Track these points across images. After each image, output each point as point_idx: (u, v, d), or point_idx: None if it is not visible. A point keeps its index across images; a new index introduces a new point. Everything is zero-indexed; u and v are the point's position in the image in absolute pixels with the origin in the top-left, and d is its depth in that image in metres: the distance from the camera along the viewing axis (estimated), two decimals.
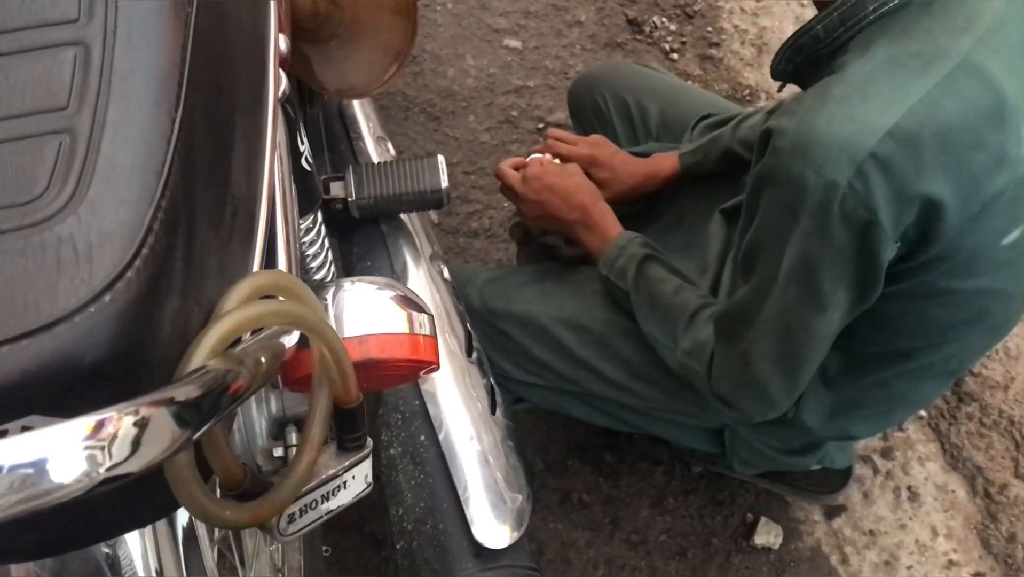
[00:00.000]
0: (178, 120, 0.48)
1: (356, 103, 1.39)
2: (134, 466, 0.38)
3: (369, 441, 0.61)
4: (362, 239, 1.18)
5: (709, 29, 2.23)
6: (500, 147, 2.01)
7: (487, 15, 2.22)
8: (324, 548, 1.27)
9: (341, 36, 1.25)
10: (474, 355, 1.08)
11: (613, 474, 1.61)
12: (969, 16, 0.86)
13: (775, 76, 1.02)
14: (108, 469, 0.37)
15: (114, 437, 0.37)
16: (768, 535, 1.57)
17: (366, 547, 1.49)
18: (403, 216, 1.22)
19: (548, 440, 1.63)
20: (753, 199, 0.93)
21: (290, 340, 0.56)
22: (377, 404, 1.03)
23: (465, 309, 1.16)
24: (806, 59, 0.96)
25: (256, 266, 0.58)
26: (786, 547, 1.57)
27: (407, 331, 0.67)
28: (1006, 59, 0.86)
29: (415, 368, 0.67)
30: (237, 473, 0.51)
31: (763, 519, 1.58)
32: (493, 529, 0.91)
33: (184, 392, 0.42)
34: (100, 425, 0.37)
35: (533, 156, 1.36)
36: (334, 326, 0.66)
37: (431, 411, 0.99)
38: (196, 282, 0.48)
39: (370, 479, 0.62)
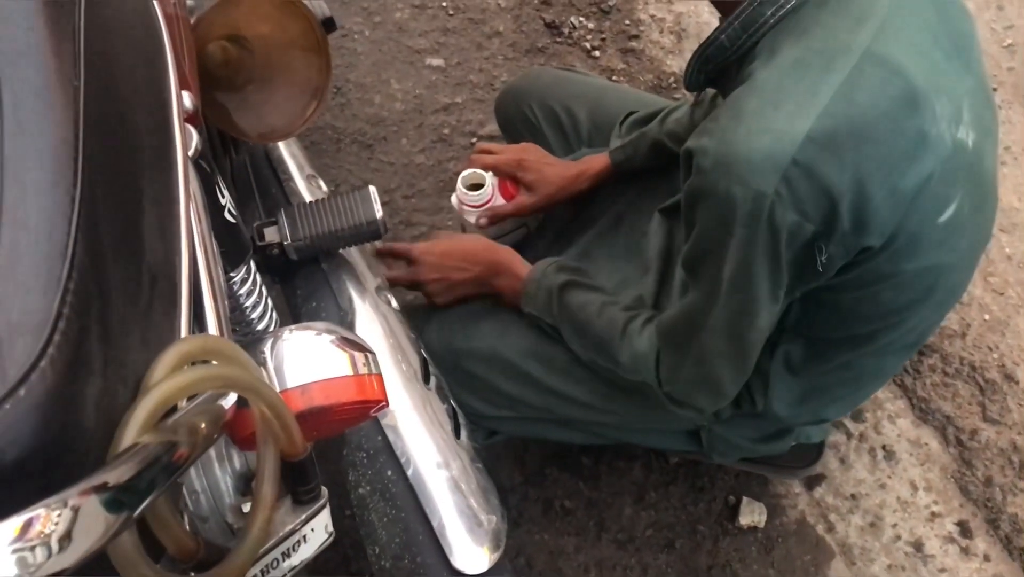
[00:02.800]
0: (78, 198, 0.47)
1: (282, 145, 1.38)
2: (68, 561, 0.37)
3: (324, 491, 0.60)
4: (304, 281, 1.17)
5: (627, 22, 2.25)
6: (436, 166, 2.01)
7: (406, 37, 2.22)
8: None
9: (256, 80, 1.24)
10: (432, 381, 1.07)
11: (592, 476, 1.61)
12: (865, 6, 0.87)
13: (689, 88, 1.03)
14: (39, 568, 0.36)
15: (43, 535, 0.36)
16: (752, 515, 1.57)
17: None
18: (343, 251, 1.21)
19: (523, 452, 1.63)
20: (688, 214, 0.94)
21: (228, 401, 0.56)
22: (340, 445, 1.02)
23: (419, 337, 1.15)
24: (716, 68, 0.97)
25: (183, 332, 0.57)
26: (772, 524, 1.58)
27: (351, 372, 0.66)
28: (907, 43, 0.87)
29: (364, 408, 0.66)
30: (189, 545, 0.50)
31: (745, 499, 1.58)
32: (471, 554, 0.91)
33: (116, 475, 0.41)
34: (27, 525, 0.36)
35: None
36: (275, 377, 0.66)
37: (395, 445, 0.98)
38: (118, 360, 0.47)
39: (330, 528, 0.61)
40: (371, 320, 1.11)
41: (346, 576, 1.47)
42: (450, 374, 1.23)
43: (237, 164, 1.37)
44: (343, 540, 1.47)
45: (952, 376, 1.75)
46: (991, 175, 1.01)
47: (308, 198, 1.29)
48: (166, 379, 0.47)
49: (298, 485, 0.59)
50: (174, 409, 0.50)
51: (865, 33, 0.85)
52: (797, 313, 1.03)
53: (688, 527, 1.57)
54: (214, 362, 0.53)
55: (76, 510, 0.38)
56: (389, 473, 0.96)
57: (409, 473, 0.95)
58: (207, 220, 0.68)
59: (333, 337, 0.68)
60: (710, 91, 1.22)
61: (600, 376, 1.20)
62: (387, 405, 0.67)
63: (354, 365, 0.67)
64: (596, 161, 1.40)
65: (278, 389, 0.64)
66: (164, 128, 0.64)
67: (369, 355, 0.68)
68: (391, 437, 0.98)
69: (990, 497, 1.62)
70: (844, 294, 0.97)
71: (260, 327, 0.96)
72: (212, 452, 0.68)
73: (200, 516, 0.69)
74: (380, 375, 0.67)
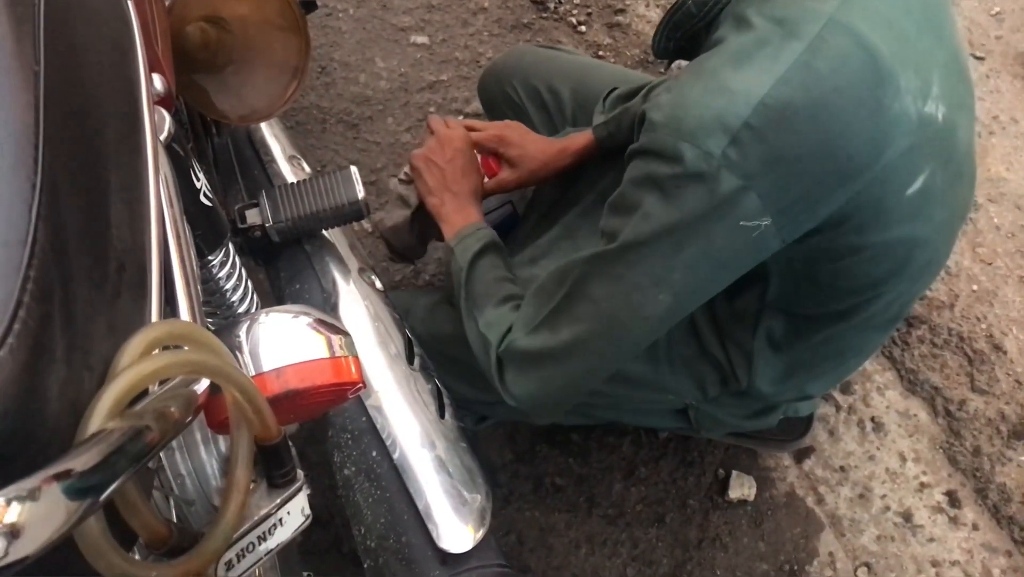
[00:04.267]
0: (39, 185, 0.46)
1: (264, 126, 1.37)
2: (29, 549, 0.36)
3: (300, 473, 0.60)
4: (287, 263, 1.17)
5: None
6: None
7: (390, 15, 2.20)
8: (305, 574, 1.25)
9: (236, 61, 1.23)
10: (416, 361, 1.07)
11: (582, 453, 1.61)
12: None
13: (657, 54, 1.02)
14: (1, 557, 0.35)
15: (3, 524, 0.36)
16: (742, 488, 1.58)
17: (347, 566, 1.48)
18: (326, 233, 1.21)
19: (513, 430, 1.63)
20: (626, 172, 0.91)
21: (201, 386, 0.55)
22: (326, 427, 1.02)
23: (403, 318, 1.15)
24: (684, 35, 0.96)
25: (154, 318, 0.57)
26: (761, 497, 1.59)
27: (327, 355, 0.66)
28: (875, 13, 0.85)
29: (340, 391, 0.66)
30: (161, 530, 0.49)
31: (735, 473, 1.59)
32: (456, 533, 0.91)
33: (81, 461, 0.41)
34: None
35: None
36: (250, 361, 0.65)
37: (379, 425, 0.98)
38: (83, 347, 0.46)
39: (307, 511, 0.61)
40: (355, 300, 1.11)
41: (337, 555, 1.48)
42: (436, 360, 1.23)
43: (219, 146, 1.36)
44: (335, 520, 1.47)
45: (940, 347, 1.75)
46: (966, 148, 0.99)
47: (291, 179, 1.28)
48: (133, 365, 0.47)
49: (273, 469, 0.59)
50: (145, 394, 0.50)
51: (831, 2, 0.84)
52: (776, 288, 1.03)
53: (678, 501, 1.57)
54: (184, 347, 0.52)
55: (38, 498, 0.37)
56: (374, 454, 0.96)
57: (394, 454, 0.95)
58: (179, 205, 0.67)
59: (309, 320, 0.67)
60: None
61: None
62: (364, 387, 0.67)
63: (330, 347, 0.67)
64: (579, 137, 1.39)
65: (253, 372, 0.64)
66: (132, 113, 0.64)
67: (345, 337, 0.67)
68: (375, 418, 0.98)
69: (978, 467, 1.63)
70: (817, 266, 0.96)
71: (241, 309, 0.96)
72: (198, 435, 0.68)
73: (186, 499, 0.69)
74: (356, 357, 0.67)
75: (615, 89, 1.41)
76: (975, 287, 1.82)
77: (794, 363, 1.13)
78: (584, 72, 1.50)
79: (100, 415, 0.44)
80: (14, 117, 0.48)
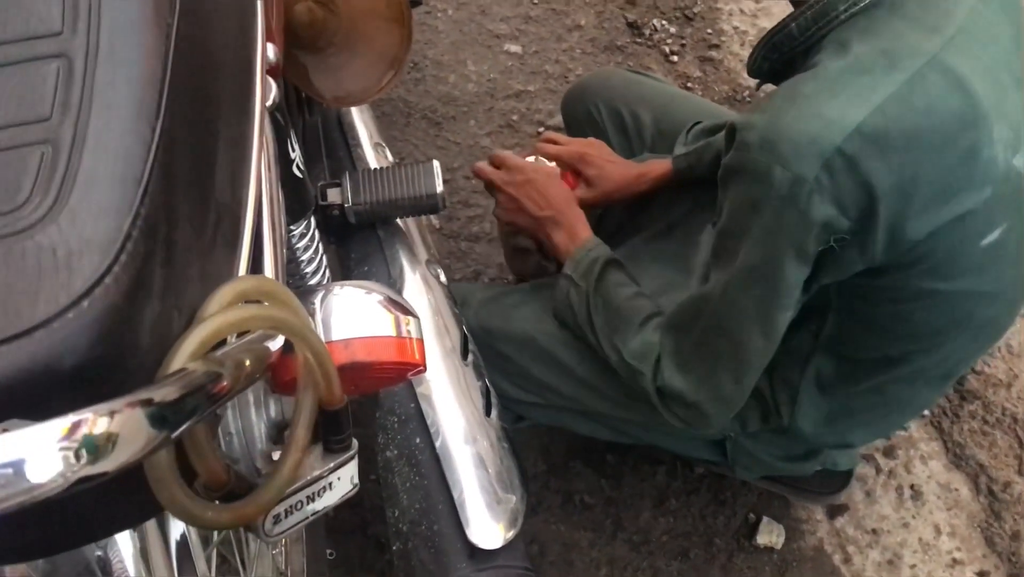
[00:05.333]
0: (158, 130, 0.49)
1: (354, 111, 1.41)
2: (108, 466, 0.39)
3: (354, 443, 0.62)
4: (359, 245, 1.20)
5: (709, 31, 2.24)
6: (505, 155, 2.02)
7: (488, 21, 2.24)
8: (328, 551, 1.28)
9: (337, 44, 1.27)
10: (469, 357, 1.09)
11: (615, 475, 1.61)
12: (941, 15, 0.87)
13: (752, 74, 1.03)
14: (83, 468, 0.38)
15: (89, 437, 0.38)
16: (770, 535, 1.57)
17: (370, 549, 1.50)
18: (400, 221, 1.23)
19: (550, 442, 1.64)
20: (722, 194, 0.94)
21: (275, 344, 0.57)
22: (374, 408, 1.04)
23: (461, 314, 1.17)
24: (781, 57, 0.97)
25: (242, 272, 0.59)
26: (788, 547, 1.58)
27: (394, 334, 0.68)
28: (978, 59, 0.86)
29: (402, 370, 0.68)
30: (220, 474, 0.52)
31: (765, 519, 1.58)
32: (487, 530, 0.92)
33: (161, 393, 0.43)
34: (75, 426, 0.38)
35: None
36: (321, 329, 0.68)
37: (426, 413, 1.00)
38: (176, 288, 0.49)
39: (356, 480, 0.63)
40: (418, 290, 1.13)
41: (362, 537, 1.50)
42: (484, 355, 1.25)
43: (310, 124, 1.40)
44: (363, 502, 1.50)
45: (992, 425, 1.73)
46: None
47: (374, 165, 1.31)
48: (219, 313, 0.49)
49: (331, 434, 0.61)
50: (224, 343, 0.52)
51: (936, 41, 0.85)
52: (832, 328, 1.03)
53: (704, 538, 1.57)
54: (267, 304, 0.55)
55: (121, 420, 0.40)
56: (417, 440, 0.98)
57: (437, 443, 0.97)
58: (276, 170, 0.70)
59: (381, 297, 0.69)
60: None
61: None
62: (424, 370, 0.69)
63: (398, 327, 0.69)
64: (658, 165, 1.40)
65: (323, 340, 0.66)
66: (246, 76, 0.67)
67: (413, 319, 0.69)
68: (423, 405, 1.00)
69: (1015, 552, 1.60)
70: (879, 308, 0.97)
71: (313, 281, 0.98)
72: (250, 396, 0.70)
73: (231, 457, 0.71)
74: (421, 340, 0.69)
75: (700, 122, 1.42)
76: None
77: (839, 407, 1.13)
78: (669, 101, 1.51)
79: (184, 355, 0.47)
80: (146, 64, 0.51)
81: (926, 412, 1.73)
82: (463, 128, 2.06)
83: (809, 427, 1.16)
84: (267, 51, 0.75)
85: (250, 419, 0.73)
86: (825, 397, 1.13)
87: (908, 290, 0.94)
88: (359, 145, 1.34)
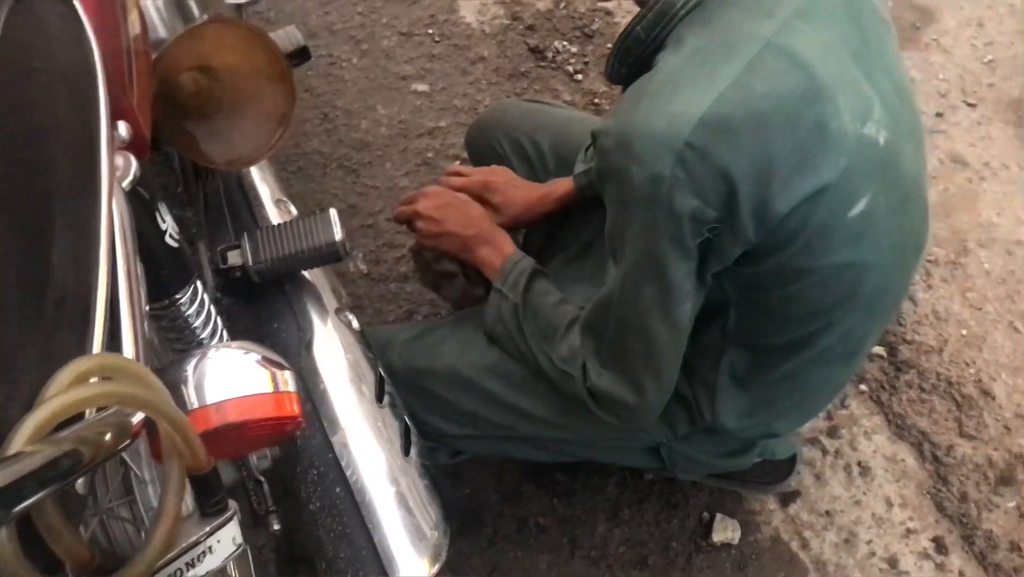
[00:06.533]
0: None
1: (254, 170, 1.42)
2: None
3: (231, 503, 0.63)
4: (267, 302, 1.20)
5: (609, 46, 2.28)
6: (420, 189, 2.04)
7: (392, 64, 2.26)
8: None
9: (225, 109, 1.28)
10: (385, 400, 1.10)
11: (567, 493, 1.62)
12: (774, 2, 0.90)
13: (612, 80, 1.06)
14: None
15: None
16: (726, 531, 1.58)
17: None
18: (307, 273, 1.24)
19: (501, 470, 1.65)
20: (603, 195, 0.96)
21: (137, 416, 0.58)
22: (294, 463, 1.04)
23: (376, 357, 1.18)
24: (636, 60, 0.99)
25: (96, 351, 0.60)
26: (745, 540, 1.59)
27: (271, 390, 0.68)
28: (814, 38, 0.89)
29: (280, 425, 0.68)
30: (82, 553, 0.52)
31: (719, 516, 1.59)
32: (412, 568, 0.93)
33: None
34: None
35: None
36: (195, 394, 0.69)
37: (344, 462, 1.00)
38: (8, 378, 0.50)
39: (239, 540, 0.63)
40: (329, 339, 1.14)
41: None
42: (412, 394, 1.26)
43: (211, 190, 1.41)
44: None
45: (929, 392, 1.76)
46: (912, 177, 1.02)
47: (276, 222, 1.32)
48: (56, 396, 0.50)
49: (204, 498, 0.61)
50: (81, 417, 0.53)
51: (770, 26, 0.88)
52: (735, 321, 1.05)
53: (661, 544, 1.58)
54: (115, 381, 0.55)
55: None
56: (338, 490, 0.99)
57: (356, 490, 0.98)
58: (134, 246, 0.71)
59: (257, 356, 0.70)
60: None
61: (557, 393, 1.22)
62: (303, 423, 0.70)
63: (275, 382, 0.70)
64: (561, 184, 1.43)
65: (196, 405, 0.67)
66: (88, 158, 0.68)
67: (289, 373, 0.70)
68: (340, 454, 1.01)
69: (965, 513, 1.62)
70: (770, 294, 0.99)
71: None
72: None
73: (148, 505, 0.72)
74: (296, 393, 0.69)
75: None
76: (964, 332, 1.83)
77: (758, 398, 1.15)
78: (565, 125, 1.54)
79: (20, 439, 0.47)
80: None
81: (864, 388, 1.76)
82: (380, 172, 2.08)
83: (732, 422, 1.17)
84: (117, 130, 0.76)
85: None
86: (742, 390, 1.15)
87: (791, 271, 0.96)
88: (261, 204, 1.35)
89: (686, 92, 0.86)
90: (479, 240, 1.30)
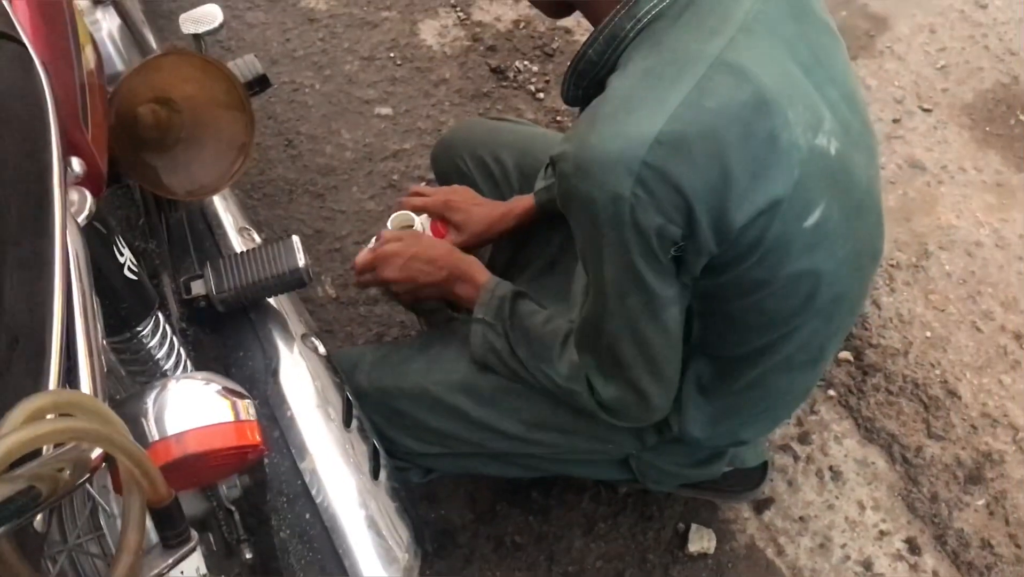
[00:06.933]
0: None
1: (217, 199, 1.42)
2: None
3: (194, 534, 0.63)
4: (233, 331, 1.20)
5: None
6: (386, 212, 2.03)
7: (355, 88, 2.27)
8: None
9: (185, 140, 1.28)
10: (353, 424, 1.10)
11: (542, 510, 1.63)
12: (720, 19, 0.91)
13: (568, 103, 1.07)
14: None
15: None
16: (701, 541, 1.59)
17: None
18: (272, 300, 1.24)
19: (474, 490, 1.65)
20: (569, 219, 0.97)
21: (97, 451, 0.58)
22: (264, 491, 1.04)
23: (343, 381, 1.18)
24: (590, 83, 1.00)
25: (51, 387, 0.60)
26: (721, 549, 1.60)
27: (228, 420, 0.69)
28: (761, 52, 0.91)
29: (242, 454, 0.69)
30: None
31: (694, 526, 1.60)
32: None
33: None
34: None
35: (374, 240, 1.40)
36: (155, 426, 0.69)
37: (313, 489, 1.00)
38: None
39: (203, 570, 0.64)
40: (295, 365, 1.14)
41: None
42: (381, 414, 1.26)
43: (175, 221, 1.41)
44: None
45: (896, 394, 1.78)
46: (865, 185, 1.04)
47: (240, 250, 1.32)
48: (10, 433, 0.50)
49: (166, 530, 0.61)
50: (39, 453, 0.53)
51: (716, 44, 0.90)
52: (699, 331, 1.07)
53: (638, 556, 1.58)
54: (71, 416, 0.55)
55: None
56: (307, 516, 0.99)
57: (325, 516, 0.98)
58: (89, 281, 0.71)
59: (212, 386, 0.71)
60: None
61: (525, 408, 1.23)
62: (265, 452, 0.70)
63: (235, 411, 0.70)
64: (522, 201, 1.44)
65: (156, 437, 0.67)
66: (40, 195, 0.68)
67: (249, 402, 0.70)
68: (309, 480, 1.01)
69: (936, 513, 1.64)
70: (732, 304, 1.01)
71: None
72: None
73: (117, 540, 0.72)
74: (257, 421, 0.70)
75: None
76: (928, 333, 1.85)
77: (723, 407, 1.16)
78: (528, 142, 1.55)
79: None
80: None
81: (832, 392, 1.78)
82: (346, 196, 2.08)
83: (698, 432, 1.19)
84: (70, 166, 0.76)
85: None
86: (708, 399, 1.16)
87: (749, 282, 0.98)
88: (224, 233, 1.35)
89: (640, 113, 0.87)
90: (451, 280, 1.31)
